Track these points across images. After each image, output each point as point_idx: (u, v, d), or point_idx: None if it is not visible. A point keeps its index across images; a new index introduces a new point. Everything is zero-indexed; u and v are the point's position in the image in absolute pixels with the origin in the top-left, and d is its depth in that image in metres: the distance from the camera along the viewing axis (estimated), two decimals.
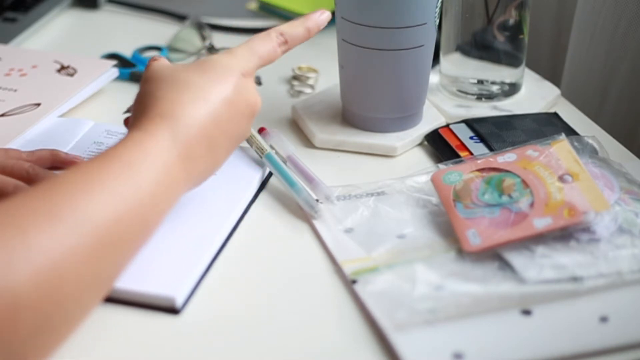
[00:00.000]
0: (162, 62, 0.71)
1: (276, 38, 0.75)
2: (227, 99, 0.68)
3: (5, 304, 0.54)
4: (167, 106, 0.66)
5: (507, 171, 0.74)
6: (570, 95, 0.98)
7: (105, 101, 0.93)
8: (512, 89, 0.93)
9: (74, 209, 0.58)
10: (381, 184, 0.78)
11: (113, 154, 0.63)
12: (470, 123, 0.86)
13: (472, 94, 0.93)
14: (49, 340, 0.57)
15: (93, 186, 0.60)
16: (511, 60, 0.92)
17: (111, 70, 0.95)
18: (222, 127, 0.68)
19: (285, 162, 0.80)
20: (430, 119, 0.89)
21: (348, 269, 0.69)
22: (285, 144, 0.82)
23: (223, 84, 0.69)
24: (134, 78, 0.97)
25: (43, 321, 0.56)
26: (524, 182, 0.73)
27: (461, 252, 0.70)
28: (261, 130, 0.84)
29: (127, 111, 0.89)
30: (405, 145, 0.86)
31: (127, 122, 0.76)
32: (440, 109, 0.91)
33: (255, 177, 0.79)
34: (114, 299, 0.65)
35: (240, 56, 0.71)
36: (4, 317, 0.54)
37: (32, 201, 0.58)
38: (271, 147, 0.82)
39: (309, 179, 0.78)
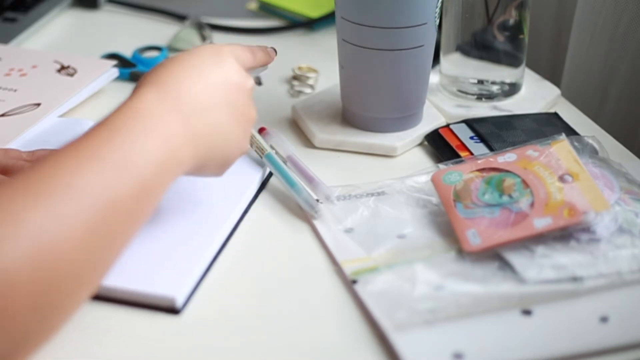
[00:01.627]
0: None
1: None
2: (221, 75, 0.68)
3: (0, 284, 0.52)
4: (162, 78, 0.65)
5: (507, 171, 0.74)
6: (570, 95, 0.98)
7: (105, 101, 0.93)
8: (512, 89, 0.93)
9: (65, 185, 0.56)
10: (381, 184, 0.78)
11: (110, 125, 0.61)
12: (470, 123, 0.86)
13: (472, 94, 0.93)
14: (50, 319, 0.56)
15: (86, 160, 0.58)
16: (511, 60, 0.92)
17: (111, 70, 0.95)
18: (218, 99, 0.67)
19: (285, 162, 0.80)
20: (430, 119, 0.89)
21: (348, 269, 0.69)
22: (285, 144, 0.82)
23: (216, 60, 0.68)
24: (134, 78, 0.97)
25: (41, 299, 0.54)
26: (524, 182, 0.73)
27: (461, 252, 0.70)
28: (261, 130, 0.84)
29: None
30: (405, 145, 0.86)
31: None
32: (440, 109, 0.91)
33: (255, 177, 0.79)
34: (115, 299, 0.65)
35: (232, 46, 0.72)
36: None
37: (24, 182, 0.56)
38: (271, 147, 0.82)
39: (309, 179, 0.78)
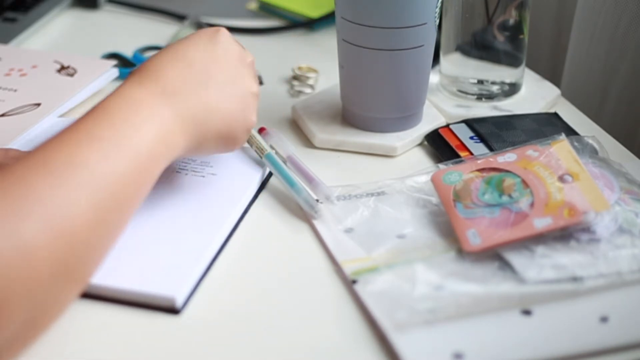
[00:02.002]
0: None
1: None
2: (207, 54, 0.71)
3: (22, 253, 0.55)
4: (145, 65, 0.69)
5: (507, 171, 0.74)
6: (570, 95, 0.98)
7: None
8: (512, 89, 0.93)
9: (67, 160, 0.60)
10: (381, 184, 0.78)
11: (105, 107, 0.64)
12: (470, 123, 0.86)
13: (472, 94, 0.93)
14: (69, 285, 0.60)
15: (87, 141, 0.62)
16: (511, 60, 0.92)
17: (111, 70, 0.95)
18: (208, 75, 0.70)
19: (285, 162, 0.80)
20: (430, 119, 0.89)
21: (348, 269, 0.69)
22: (285, 144, 0.82)
23: (213, 35, 0.72)
24: None
25: (60, 267, 0.58)
26: (524, 182, 0.73)
27: (461, 252, 0.70)
28: (261, 130, 0.84)
29: None
30: (405, 145, 0.86)
31: None
32: (440, 109, 0.91)
33: (255, 177, 0.79)
34: (115, 299, 0.65)
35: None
36: (21, 266, 0.55)
37: (34, 160, 0.60)
38: (271, 147, 0.82)
39: (309, 179, 0.78)
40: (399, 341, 0.62)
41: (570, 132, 0.86)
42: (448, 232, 0.72)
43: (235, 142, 0.73)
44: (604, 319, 0.65)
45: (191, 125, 0.68)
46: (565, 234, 0.69)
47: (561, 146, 0.75)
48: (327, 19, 1.09)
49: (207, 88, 0.69)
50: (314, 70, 0.98)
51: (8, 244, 0.55)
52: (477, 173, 0.75)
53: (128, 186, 0.63)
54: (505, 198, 0.72)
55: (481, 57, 0.92)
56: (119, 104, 0.65)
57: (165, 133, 0.66)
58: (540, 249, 0.69)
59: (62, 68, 0.94)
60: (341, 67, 0.86)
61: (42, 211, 0.57)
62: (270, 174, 0.81)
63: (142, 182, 0.64)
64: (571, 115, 0.91)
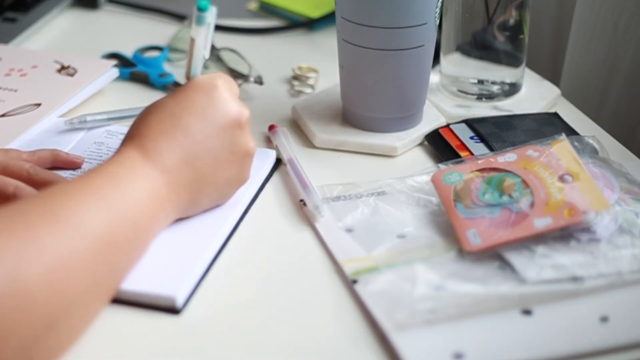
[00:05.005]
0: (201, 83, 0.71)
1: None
2: (199, 113, 0.70)
3: (19, 299, 0.55)
4: (142, 132, 0.69)
5: (507, 171, 0.74)
6: (570, 95, 0.98)
7: (106, 101, 0.93)
8: (512, 89, 0.93)
9: (72, 214, 0.61)
10: (381, 183, 0.78)
11: (103, 169, 0.66)
12: (470, 123, 0.86)
13: (472, 94, 0.93)
14: (61, 336, 0.59)
15: (87, 196, 0.63)
16: (511, 60, 0.92)
17: (111, 70, 0.94)
18: (206, 145, 0.69)
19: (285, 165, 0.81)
20: (431, 119, 0.89)
21: (348, 268, 0.69)
22: (289, 146, 0.82)
23: (210, 98, 0.70)
24: (135, 78, 0.97)
25: (53, 316, 0.58)
26: (524, 182, 0.73)
27: (461, 252, 0.70)
28: (271, 128, 0.85)
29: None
30: (406, 145, 0.86)
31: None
32: (440, 109, 0.91)
33: (255, 178, 0.79)
34: (115, 299, 0.65)
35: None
36: (17, 310, 0.55)
37: (35, 205, 0.61)
38: (276, 147, 0.82)
39: (302, 185, 0.77)
40: (399, 341, 0.62)
41: (570, 132, 0.86)
42: (448, 232, 0.72)
43: (229, 198, 0.74)
44: (604, 319, 0.65)
45: (186, 196, 0.69)
46: (565, 234, 0.69)
47: (561, 146, 0.75)
48: (327, 19, 1.09)
49: (204, 160, 0.69)
50: (314, 70, 0.98)
51: (6, 280, 0.55)
52: (477, 173, 0.75)
53: (122, 245, 0.64)
54: (505, 198, 0.72)
55: (481, 57, 0.92)
56: (122, 169, 0.66)
57: (162, 202, 0.67)
58: (540, 249, 0.69)
59: (62, 68, 0.94)
60: (341, 67, 0.86)
61: (43, 257, 0.57)
62: (270, 175, 0.81)
63: (137, 245, 0.66)
64: (571, 115, 0.91)
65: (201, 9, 0.71)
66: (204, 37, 0.72)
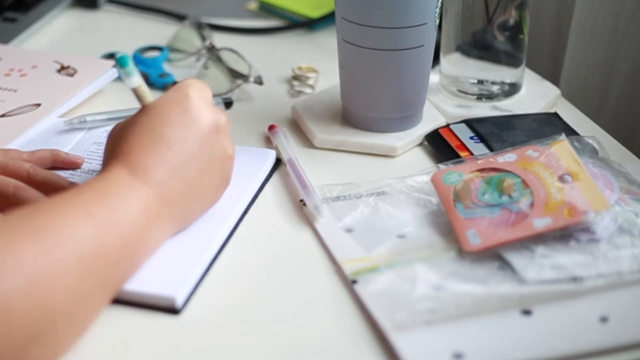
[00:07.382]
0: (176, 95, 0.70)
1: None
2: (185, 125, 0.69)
3: None
4: (125, 149, 0.68)
5: (507, 171, 0.74)
6: (570, 95, 0.98)
7: (105, 101, 0.93)
8: (512, 89, 0.93)
9: (56, 227, 0.60)
10: (381, 183, 0.78)
11: (91, 185, 0.65)
12: (470, 123, 0.86)
13: (472, 94, 0.93)
14: (42, 353, 0.59)
15: (72, 210, 0.62)
16: (511, 60, 0.92)
17: (111, 71, 0.94)
18: (188, 155, 0.69)
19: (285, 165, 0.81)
20: (431, 119, 0.89)
21: (348, 269, 0.69)
22: (289, 146, 0.82)
23: (184, 110, 0.69)
24: None
25: (35, 332, 0.57)
26: (524, 182, 0.73)
27: (461, 252, 0.70)
28: (271, 128, 0.85)
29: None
30: (405, 145, 0.86)
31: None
32: (440, 109, 0.91)
33: (255, 178, 0.79)
34: (115, 299, 0.65)
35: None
36: None
37: (20, 219, 0.60)
38: (276, 147, 0.82)
39: (302, 185, 0.77)
40: (399, 341, 0.62)
41: (570, 132, 0.86)
42: (448, 232, 0.72)
43: (216, 201, 0.73)
44: (604, 319, 0.65)
45: (178, 208, 0.69)
46: (565, 234, 0.69)
47: (561, 146, 0.75)
48: (327, 19, 1.09)
49: (190, 169, 0.69)
50: (314, 70, 0.98)
51: None
52: (477, 173, 0.75)
53: (111, 264, 0.63)
54: (505, 198, 0.72)
55: (481, 57, 0.92)
56: (111, 184, 0.65)
57: (154, 216, 0.66)
58: (540, 249, 0.69)
59: (62, 68, 0.94)
60: (341, 67, 0.86)
61: (23, 274, 0.57)
62: (270, 175, 0.81)
63: (127, 262, 0.65)
64: (571, 115, 0.91)
65: (123, 66, 0.69)
66: (139, 80, 0.70)
